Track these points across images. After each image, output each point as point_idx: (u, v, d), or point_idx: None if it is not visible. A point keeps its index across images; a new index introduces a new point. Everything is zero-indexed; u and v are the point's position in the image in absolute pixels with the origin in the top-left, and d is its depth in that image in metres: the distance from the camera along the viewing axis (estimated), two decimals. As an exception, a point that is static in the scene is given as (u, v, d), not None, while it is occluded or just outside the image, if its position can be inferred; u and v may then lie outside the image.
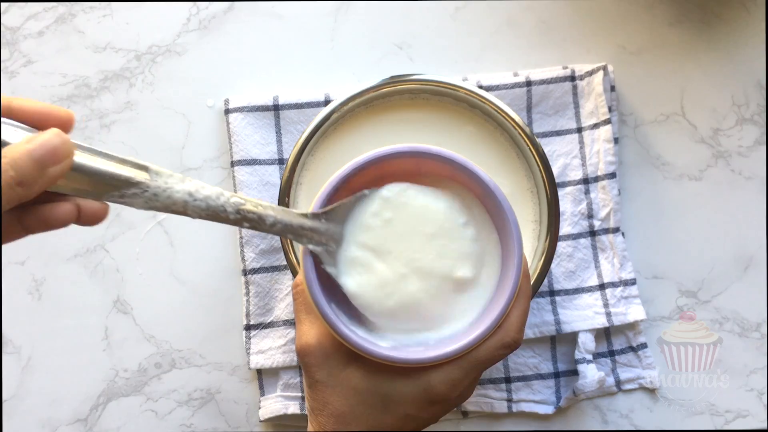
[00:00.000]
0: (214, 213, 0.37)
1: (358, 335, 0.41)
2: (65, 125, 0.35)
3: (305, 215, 0.41)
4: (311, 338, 0.42)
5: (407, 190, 0.43)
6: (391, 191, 0.43)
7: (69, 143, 0.33)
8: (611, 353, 0.59)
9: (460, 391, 0.42)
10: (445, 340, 0.42)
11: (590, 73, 0.60)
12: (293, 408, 0.58)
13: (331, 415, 0.41)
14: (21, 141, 0.33)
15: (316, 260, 0.41)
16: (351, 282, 0.41)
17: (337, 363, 0.41)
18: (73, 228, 0.60)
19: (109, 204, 0.37)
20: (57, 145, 0.33)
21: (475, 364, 0.41)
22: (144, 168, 0.36)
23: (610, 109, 0.59)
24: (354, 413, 0.40)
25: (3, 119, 0.33)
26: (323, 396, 0.41)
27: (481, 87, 0.58)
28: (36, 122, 0.34)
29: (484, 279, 0.43)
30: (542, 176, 0.54)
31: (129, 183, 0.35)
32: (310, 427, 0.42)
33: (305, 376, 0.43)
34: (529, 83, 0.59)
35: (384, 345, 0.41)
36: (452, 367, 0.41)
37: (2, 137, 0.33)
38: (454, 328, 0.43)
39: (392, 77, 0.55)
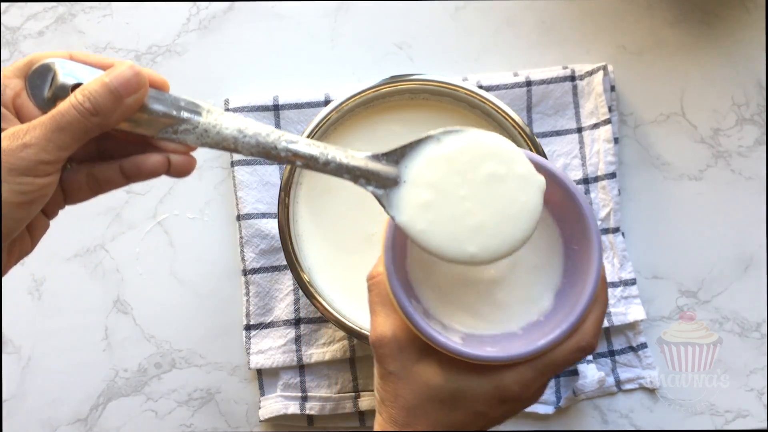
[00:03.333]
0: (265, 150, 0.38)
1: (433, 329, 0.40)
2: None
3: (365, 157, 0.39)
4: (386, 330, 0.42)
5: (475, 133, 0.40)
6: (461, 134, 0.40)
7: (143, 75, 0.36)
8: (611, 353, 0.59)
9: (532, 392, 0.41)
10: (515, 334, 0.42)
11: (590, 73, 0.60)
12: (293, 408, 0.58)
13: (402, 408, 0.41)
14: (97, 77, 0.36)
15: (397, 254, 0.41)
16: (419, 223, 0.39)
17: (410, 356, 0.41)
18: (73, 227, 0.60)
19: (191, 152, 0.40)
20: (131, 76, 0.36)
21: (550, 366, 0.41)
22: (196, 106, 0.38)
23: (610, 109, 0.59)
24: (424, 407, 0.40)
25: (72, 62, 0.37)
26: (395, 388, 0.41)
27: (481, 87, 0.58)
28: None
29: (546, 265, 0.43)
30: (542, 176, 0.54)
31: (181, 120, 0.37)
32: (378, 418, 0.42)
33: (377, 368, 0.43)
34: (529, 83, 0.59)
35: (458, 341, 0.41)
36: (526, 367, 0.40)
37: (77, 80, 0.37)
38: (521, 317, 0.43)
39: (392, 77, 0.55)
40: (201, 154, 0.61)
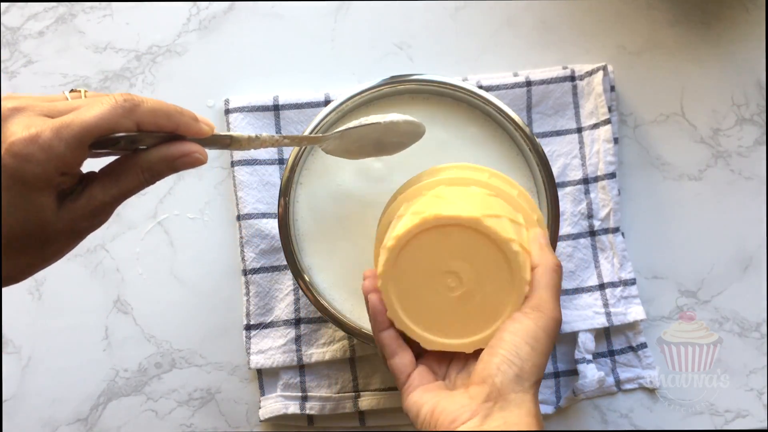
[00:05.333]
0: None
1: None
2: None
3: None
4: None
5: None
6: None
7: (204, 158, 0.40)
8: (611, 353, 0.59)
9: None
10: None
11: (590, 73, 0.60)
12: (293, 408, 0.58)
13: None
14: (162, 153, 0.39)
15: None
16: None
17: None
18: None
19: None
20: (196, 161, 0.40)
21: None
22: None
23: (609, 109, 0.59)
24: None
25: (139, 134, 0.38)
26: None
27: (481, 87, 0.58)
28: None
29: None
30: (542, 176, 0.54)
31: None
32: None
33: None
34: (529, 83, 0.59)
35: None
36: None
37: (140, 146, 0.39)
38: None
39: (392, 77, 0.55)
40: (201, 154, 0.61)
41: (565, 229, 0.59)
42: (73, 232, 0.38)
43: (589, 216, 0.59)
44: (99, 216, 0.39)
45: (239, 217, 0.59)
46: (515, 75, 0.60)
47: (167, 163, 0.39)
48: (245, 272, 0.59)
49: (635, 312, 0.58)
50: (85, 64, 0.61)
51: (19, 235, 0.36)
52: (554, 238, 0.54)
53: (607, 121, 0.59)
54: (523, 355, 0.41)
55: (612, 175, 0.59)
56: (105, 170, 0.39)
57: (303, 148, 0.54)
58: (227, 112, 0.59)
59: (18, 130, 0.34)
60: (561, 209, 0.59)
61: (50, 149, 0.34)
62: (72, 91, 0.40)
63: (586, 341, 0.57)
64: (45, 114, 0.36)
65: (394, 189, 0.51)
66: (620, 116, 0.61)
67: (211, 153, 0.61)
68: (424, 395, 0.43)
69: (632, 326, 0.59)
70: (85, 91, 0.40)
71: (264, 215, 0.59)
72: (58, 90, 0.61)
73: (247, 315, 0.59)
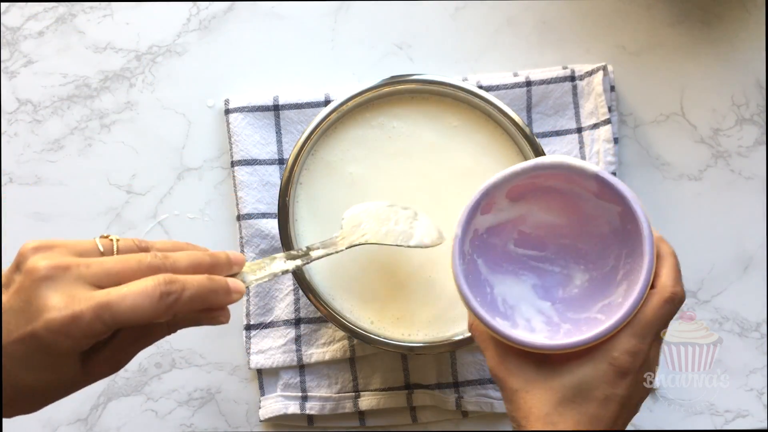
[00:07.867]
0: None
1: (520, 333, 0.42)
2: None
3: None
4: (497, 356, 0.44)
5: None
6: None
7: (226, 320, 0.42)
8: (611, 353, 0.59)
9: (643, 359, 0.42)
10: (594, 318, 0.44)
11: (590, 73, 0.60)
12: (293, 408, 0.58)
13: (537, 420, 0.41)
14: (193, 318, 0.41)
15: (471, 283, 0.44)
16: None
17: (527, 368, 0.43)
18: (74, 227, 0.60)
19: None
20: (218, 323, 0.41)
21: (645, 327, 0.41)
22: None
23: (609, 109, 0.59)
24: (558, 411, 0.41)
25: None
26: (525, 403, 0.42)
27: (481, 87, 0.58)
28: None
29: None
30: (542, 176, 0.54)
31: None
32: None
33: (504, 393, 0.44)
34: (529, 83, 0.59)
35: (539, 336, 0.43)
36: (623, 336, 0.41)
37: None
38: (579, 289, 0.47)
39: (392, 77, 0.55)
40: (201, 153, 0.61)
41: (565, 229, 0.59)
42: (91, 377, 0.39)
43: (589, 216, 0.59)
44: (120, 365, 0.40)
45: (239, 217, 0.59)
46: (515, 75, 0.60)
47: (193, 323, 0.42)
48: (245, 272, 0.58)
49: (635, 312, 0.58)
50: (85, 64, 0.61)
51: (42, 390, 0.37)
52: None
53: (607, 121, 0.59)
54: None
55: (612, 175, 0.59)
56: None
57: (303, 147, 0.54)
58: (227, 112, 0.59)
59: (57, 304, 0.34)
60: (561, 209, 0.59)
61: (89, 329, 0.35)
62: (102, 237, 0.39)
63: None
64: (75, 257, 0.37)
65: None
66: (620, 116, 0.61)
67: (212, 153, 0.61)
68: None
69: (632, 326, 0.59)
70: (117, 240, 0.40)
71: (264, 215, 0.59)
72: (58, 90, 0.61)
73: (247, 315, 0.59)
